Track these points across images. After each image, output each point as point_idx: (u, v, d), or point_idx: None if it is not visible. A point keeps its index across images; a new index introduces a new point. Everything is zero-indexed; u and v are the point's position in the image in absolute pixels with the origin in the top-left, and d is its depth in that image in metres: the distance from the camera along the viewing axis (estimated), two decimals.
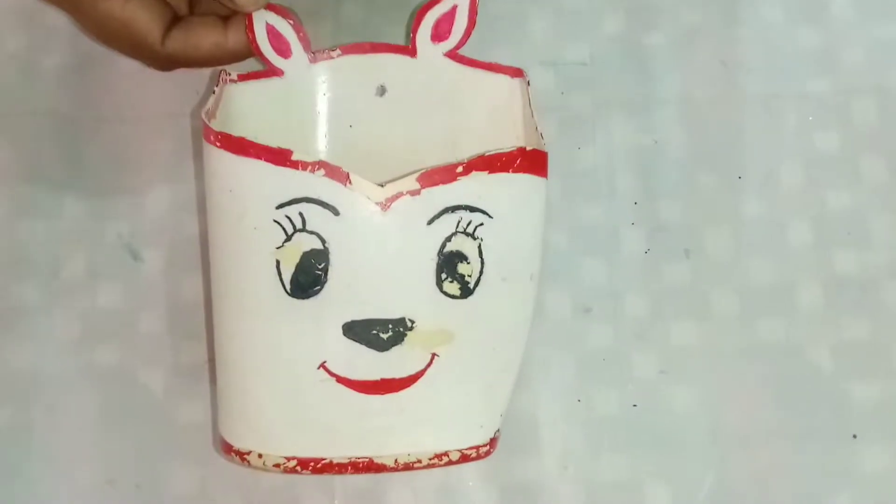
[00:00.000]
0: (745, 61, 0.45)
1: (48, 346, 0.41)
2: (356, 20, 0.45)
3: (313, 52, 0.39)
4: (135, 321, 0.42)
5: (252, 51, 0.38)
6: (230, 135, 0.34)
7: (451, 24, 0.39)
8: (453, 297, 0.35)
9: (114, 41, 0.39)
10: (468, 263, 0.35)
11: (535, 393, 0.41)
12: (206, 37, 0.38)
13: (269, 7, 0.38)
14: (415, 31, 0.39)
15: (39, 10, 0.45)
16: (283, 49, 0.38)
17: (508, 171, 0.35)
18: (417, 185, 0.34)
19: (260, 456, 0.35)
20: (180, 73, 0.41)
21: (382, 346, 0.34)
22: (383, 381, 0.35)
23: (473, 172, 0.34)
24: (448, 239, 0.34)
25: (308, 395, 0.35)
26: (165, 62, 0.39)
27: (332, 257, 0.34)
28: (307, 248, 0.34)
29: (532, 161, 0.35)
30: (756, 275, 0.43)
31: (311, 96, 0.40)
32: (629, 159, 0.44)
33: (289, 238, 0.34)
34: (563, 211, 0.44)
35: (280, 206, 0.34)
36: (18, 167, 0.43)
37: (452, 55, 0.39)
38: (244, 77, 0.38)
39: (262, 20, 0.38)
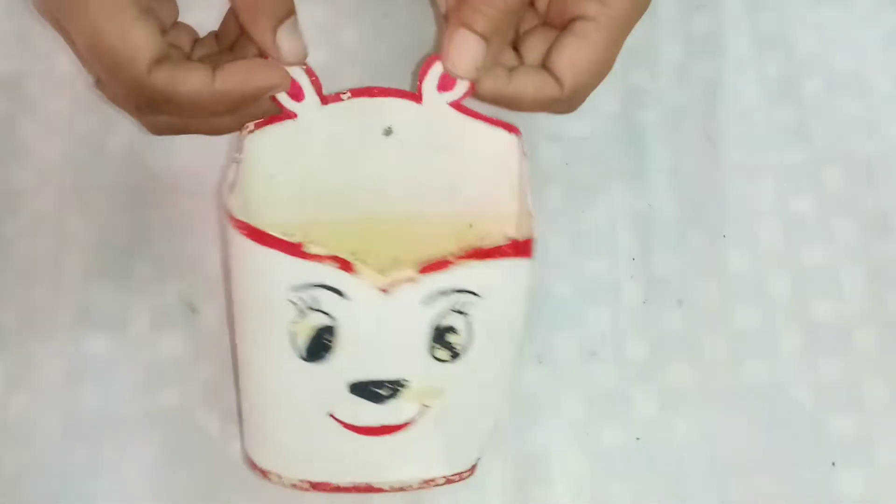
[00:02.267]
0: (728, 136, 0.47)
1: (116, 391, 0.43)
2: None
3: (324, 96, 0.39)
4: (193, 368, 0.44)
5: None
6: (251, 225, 0.36)
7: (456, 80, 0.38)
8: (443, 361, 0.37)
9: (98, 55, 0.35)
10: (457, 334, 0.37)
11: (547, 428, 0.43)
12: (193, 74, 0.36)
13: None
14: (421, 79, 0.39)
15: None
16: (295, 93, 0.39)
17: (496, 259, 0.36)
18: (416, 275, 0.36)
19: (279, 476, 0.40)
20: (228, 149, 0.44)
21: (381, 400, 0.38)
22: (382, 427, 0.38)
23: (465, 262, 0.36)
24: (440, 316, 0.36)
25: (319, 434, 0.38)
26: (143, 96, 0.36)
27: (340, 331, 0.36)
28: (318, 324, 0.36)
29: (519, 249, 0.37)
30: (742, 322, 0.45)
31: (323, 136, 0.40)
32: (627, 221, 0.46)
33: (302, 315, 0.36)
34: (570, 266, 0.46)
35: (295, 290, 0.36)
36: (89, 235, 0.45)
37: (456, 105, 0.39)
38: (260, 124, 0.39)
39: None
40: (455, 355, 0.37)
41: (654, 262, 0.46)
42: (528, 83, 0.38)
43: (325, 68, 0.40)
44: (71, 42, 0.37)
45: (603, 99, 0.48)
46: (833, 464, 0.43)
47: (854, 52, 0.49)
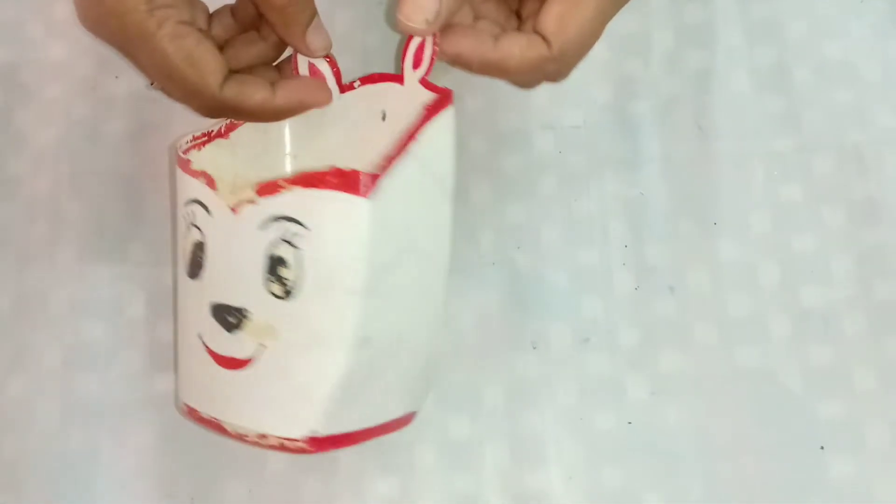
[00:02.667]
0: (718, 124, 0.48)
1: (113, 376, 0.44)
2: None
3: (343, 84, 0.42)
4: None
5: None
6: (181, 156, 0.40)
7: (423, 52, 0.40)
8: (277, 297, 0.37)
9: (171, 81, 0.39)
10: (287, 268, 0.37)
11: (541, 412, 0.44)
12: (257, 91, 0.40)
13: None
14: (403, 60, 0.40)
15: (102, 81, 0.49)
16: None
17: (319, 188, 0.36)
18: (254, 195, 0.37)
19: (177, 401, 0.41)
20: None
21: (230, 328, 0.38)
22: (230, 358, 0.38)
23: (292, 187, 0.36)
24: (273, 244, 0.37)
25: (193, 357, 0.40)
26: (215, 109, 0.40)
27: (207, 249, 0.39)
28: (195, 239, 0.39)
29: (345, 180, 0.36)
30: (732, 308, 0.45)
31: (338, 122, 0.43)
32: (619, 209, 0.47)
33: (188, 229, 0.39)
34: (563, 253, 0.46)
35: (186, 204, 0.40)
36: (86, 220, 0.46)
37: (423, 82, 0.40)
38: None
39: (305, 60, 0.42)
40: (287, 292, 0.37)
41: (646, 249, 0.46)
42: (514, 45, 0.38)
43: None
44: (134, 61, 0.40)
45: (596, 88, 0.49)
46: (822, 448, 0.44)
47: (844, 41, 0.49)
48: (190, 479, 0.43)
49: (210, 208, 0.39)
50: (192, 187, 0.40)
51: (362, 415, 0.39)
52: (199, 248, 0.39)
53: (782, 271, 0.46)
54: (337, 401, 0.38)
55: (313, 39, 0.41)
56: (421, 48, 0.40)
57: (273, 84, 0.41)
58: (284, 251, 0.37)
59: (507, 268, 0.46)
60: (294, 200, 0.37)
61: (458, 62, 0.39)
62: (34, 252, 0.46)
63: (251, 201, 0.37)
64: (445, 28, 0.39)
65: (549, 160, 0.48)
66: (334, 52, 0.42)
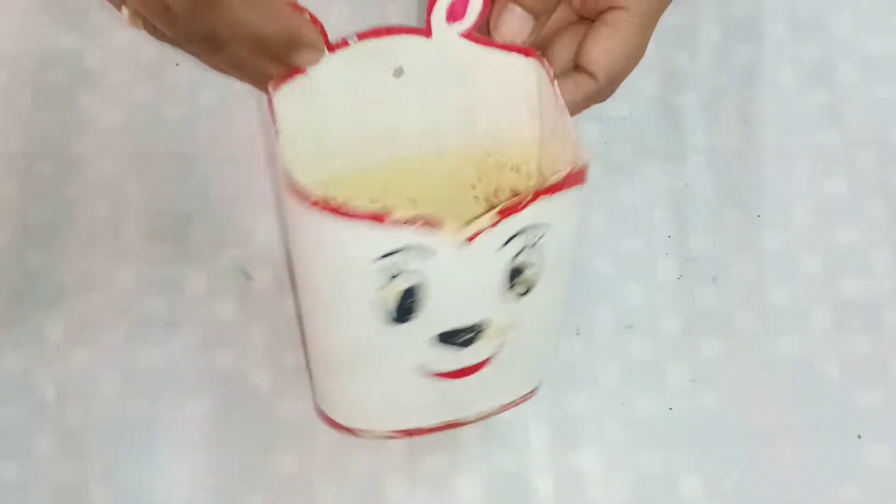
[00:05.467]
0: (763, 118, 0.49)
1: (174, 351, 0.45)
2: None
3: (331, 43, 0.37)
4: (246, 331, 0.46)
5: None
6: (329, 202, 0.33)
7: (466, 5, 0.37)
8: (520, 295, 0.37)
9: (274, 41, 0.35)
10: (533, 267, 0.37)
11: (585, 396, 0.45)
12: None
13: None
14: (430, 13, 0.37)
15: (163, 68, 0.50)
16: None
17: (562, 190, 0.35)
18: (496, 219, 0.35)
19: (369, 431, 0.41)
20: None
21: (465, 344, 0.38)
22: (464, 368, 0.38)
23: (540, 198, 0.35)
24: (517, 254, 0.36)
25: (403, 388, 0.39)
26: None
27: (426, 289, 0.36)
28: (405, 286, 0.36)
29: (578, 175, 0.35)
30: (774, 298, 0.46)
31: (333, 86, 0.38)
32: (664, 200, 0.48)
33: (389, 280, 0.35)
34: (608, 242, 0.47)
35: (382, 258, 0.35)
36: (147, 201, 0.47)
37: (467, 35, 0.38)
38: (277, 83, 0.36)
39: None
40: (527, 291, 0.37)
41: (689, 239, 0.47)
42: (564, 92, 0.38)
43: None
44: (220, 56, 0.36)
45: (642, 81, 0.49)
46: (859, 436, 0.44)
47: (888, 37, 0.50)
48: (243, 450, 0.45)
49: (432, 250, 0.35)
50: (391, 237, 0.34)
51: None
52: (411, 293, 0.36)
53: (824, 263, 0.47)
54: (550, 359, 0.42)
55: None
56: (460, 1, 0.37)
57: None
58: (528, 255, 0.36)
59: None
60: (540, 209, 0.35)
61: (483, 16, 0.38)
62: (98, 231, 0.47)
63: (492, 226, 0.35)
64: None
65: (596, 151, 0.48)
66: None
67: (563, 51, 0.40)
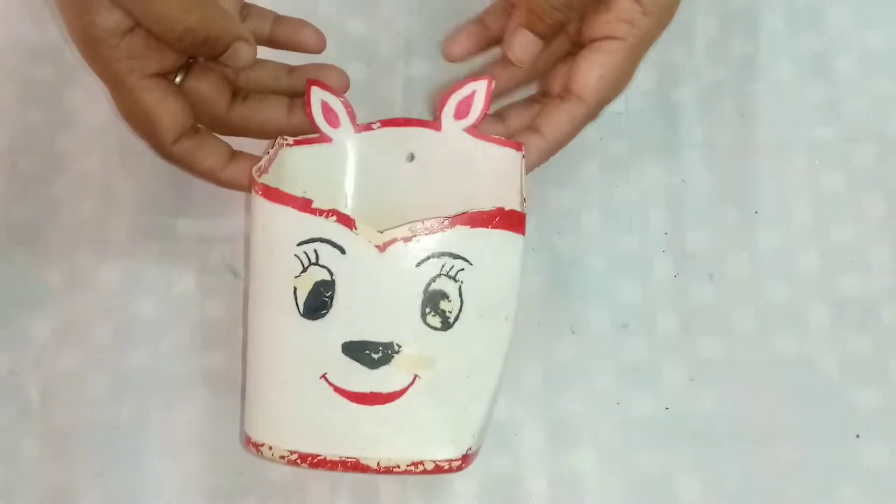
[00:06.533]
0: (760, 112, 0.48)
1: (162, 351, 0.45)
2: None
3: (358, 124, 0.44)
4: (235, 329, 0.45)
5: (307, 129, 0.43)
6: (267, 185, 0.40)
7: (471, 105, 0.43)
8: (435, 328, 0.39)
9: (129, 121, 0.42)
10: (449, 301, 0.39)
11: (580, 397, 0.44)
12: (207, 158, 0.43)
13: (323, 87, 0.43)
14: (440, 110, 0.44)
15: None
16: (333, 120, 0.44)
17: (487, 227, 0.39)
18: (410, 233, 0.39)
19: (270, 448, 0.40)
20: None
21: (373, 365, 0.39)
22: (372, 394, 0.39)
23: (458, 226, 0.39)
24: (433, 280, 0.39)
25: (310, 399, 0.39)
26: (167, 159, 0.43)
27: (338, 287, 0.39)
28: (318, 279, 0.39)
29: (509, 220, 0.40)
30: (771, 296, 0.46)
31: (353, 160, 0.44)
32: (660, 196, 0.47)
33: (305, 269, 0.39)
34: (603, 240, 0.47)
35: (300, 244, 0.39)
36: (134, 199, 0.47)
37: (470, 130, 0.44)
38: (299, 142, 0.44)
39: (319, 98, 0.43)
40: (446, 324, 0.39)
41: (685, 236, 0.47)
42: (561, 122, 0.43)
43: (365, 40, 0.45)
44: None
45: (638, 75, 0.48)
46: (858, 436, 0.44)
47: (886, 31, 0.50)
48: (237, 454, 0.44)
49: (346, 248, 0.39)
50: (309, 225, 0.40)
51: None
52: (322, 287, 0.39)
53: (822, 260, 0.47)
54: (485, 418, 0.41)
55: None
56: (466, 102, 0.43)
57: (233, 156, 0.43)
58: (444, 285, 0.39)
59: (547, 253, 0.47)
60: (457, 238, 0.39)
61: (486, 108, 0.44)
62: (84, 229, 0.47)
63: (406, 240, 0.39)
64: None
65: (591, 146, 0.48)
66: (376, 37, 0.44)
67: (558, 78, 0.44)
